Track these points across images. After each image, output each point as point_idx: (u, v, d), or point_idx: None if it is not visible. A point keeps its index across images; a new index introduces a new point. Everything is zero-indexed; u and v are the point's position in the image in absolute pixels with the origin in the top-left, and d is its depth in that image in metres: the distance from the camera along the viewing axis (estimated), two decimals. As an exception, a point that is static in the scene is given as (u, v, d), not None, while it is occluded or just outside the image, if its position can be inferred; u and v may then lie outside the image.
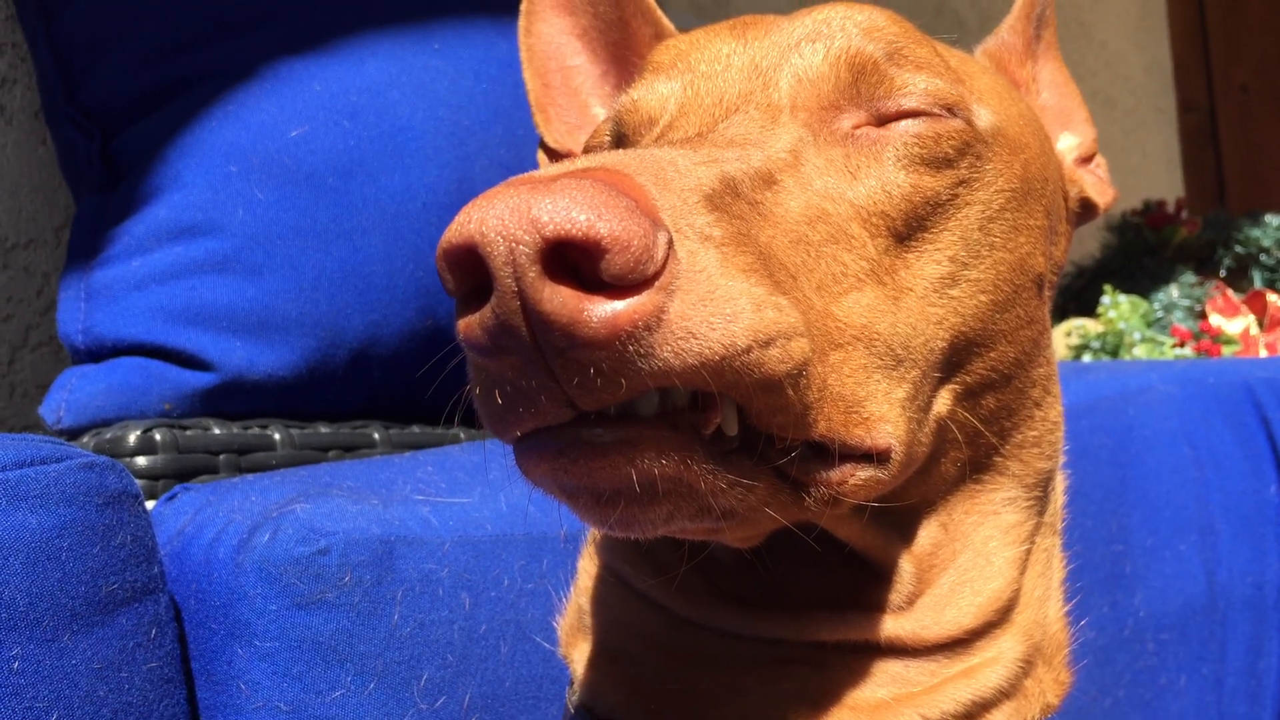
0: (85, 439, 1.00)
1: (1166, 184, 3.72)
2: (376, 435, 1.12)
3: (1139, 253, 2.57)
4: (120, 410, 1.02)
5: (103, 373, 1.03)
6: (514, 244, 0.46)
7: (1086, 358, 2.19)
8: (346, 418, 1.13)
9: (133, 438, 0.98)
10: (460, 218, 0.47)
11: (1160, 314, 2.35)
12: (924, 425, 0.64)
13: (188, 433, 1.00)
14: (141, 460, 0.97)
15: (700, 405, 0.51)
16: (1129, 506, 1.44)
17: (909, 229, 0.64)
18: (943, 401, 0.66)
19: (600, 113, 0.87)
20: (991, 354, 0.68)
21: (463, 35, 1.20)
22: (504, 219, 0.46)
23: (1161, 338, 2.25)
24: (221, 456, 1.01)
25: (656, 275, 0.47)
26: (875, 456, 0.59)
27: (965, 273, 0.66)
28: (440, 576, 0.87)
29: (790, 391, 0.52)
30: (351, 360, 1.11)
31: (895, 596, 0.69)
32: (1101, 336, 2.21)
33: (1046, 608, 0.76)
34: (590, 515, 0.53)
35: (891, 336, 0.61)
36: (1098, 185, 0.89)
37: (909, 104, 0.66)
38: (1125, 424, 1.47)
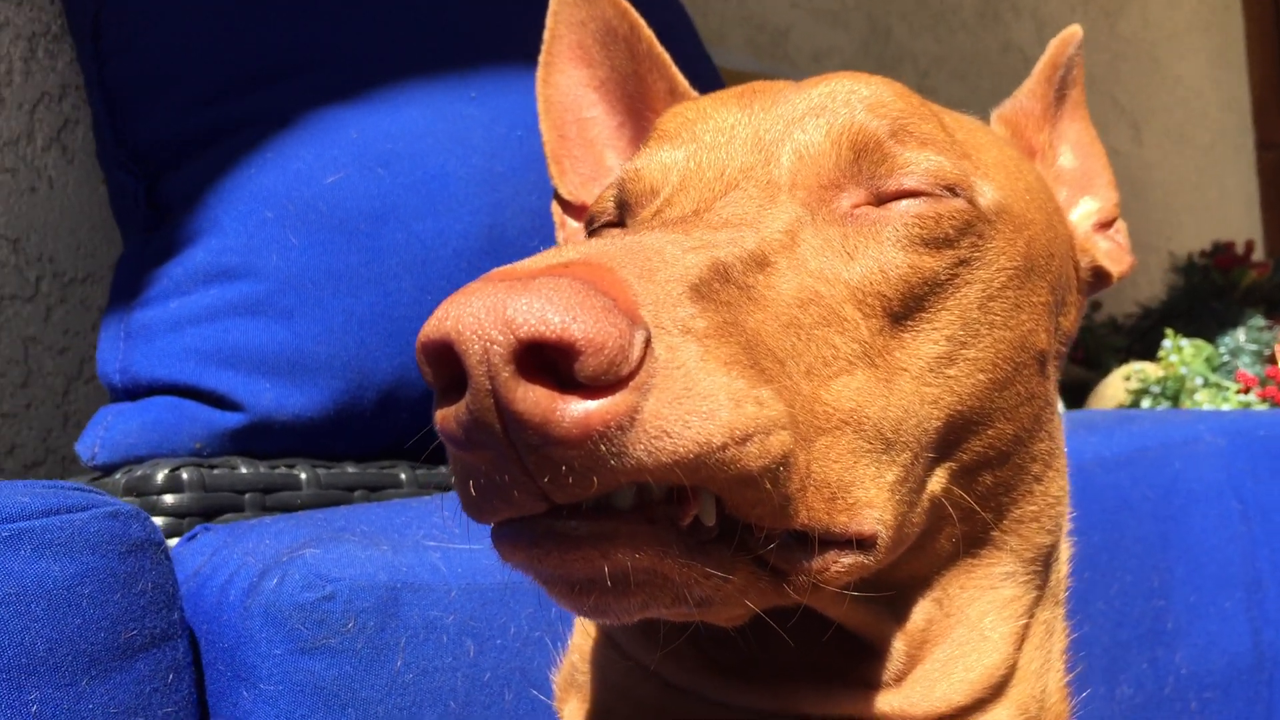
0: (118, 476, 1.03)
1: (1244, 223, 3.65)
2: (403, 476, 1.14)
3: (1206, 295, 2.52)
4: (152, 448, 1.05)
5: (137, 411, 1.07)
6: (488, 343, 0.46)
7: (1145, 403, 2.15)
8: (374, 458, 1.16)
9: (160, 476, 1.01)
10: (439, 313, 0.48)
11: (1226, 358, 2.31)
12: (916, 505, 0.64)
13: (215, 472, 1.03)
14: (169, 498, 1.00)
15: (676, 497, 0.51)
16: (1171, 561, 1.41)
17: (906, 309, 0.64)
18: (937, 480, 0.65)
19: (614, 166, 0.88)
20: (989, 432, 0.67)
21: (498, 83, 1.23)
22: (479, 318, 0.46)
23: (1226, 383, 2.20)
24: (247, 495, 1.04)
25: (631, 375, 0.47)
26: (859, 542, 0.59)
27: (963, 352, 0.66)
28: (445, 623, 0.88)
29: (769, 485, 0.52)
30: (379, 402, 1.13)
31: (885, 673, 0.68)
32: (1162, 381, 2.17)
33: (1045, 679, 0.75)
34: (566, 602, 0.54)
35: (882, 420, 0.60)
36: (1114, 253, 0.87)
37: (910, 183, 0.66)
38: (1170, 476, 1.44)
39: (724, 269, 0.55)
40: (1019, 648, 0.73)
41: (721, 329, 0.52)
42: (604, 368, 0.46)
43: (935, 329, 0.64)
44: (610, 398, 0.47)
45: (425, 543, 0.92)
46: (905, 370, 0.63)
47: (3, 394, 1.42)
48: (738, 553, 0.54)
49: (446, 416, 0.49)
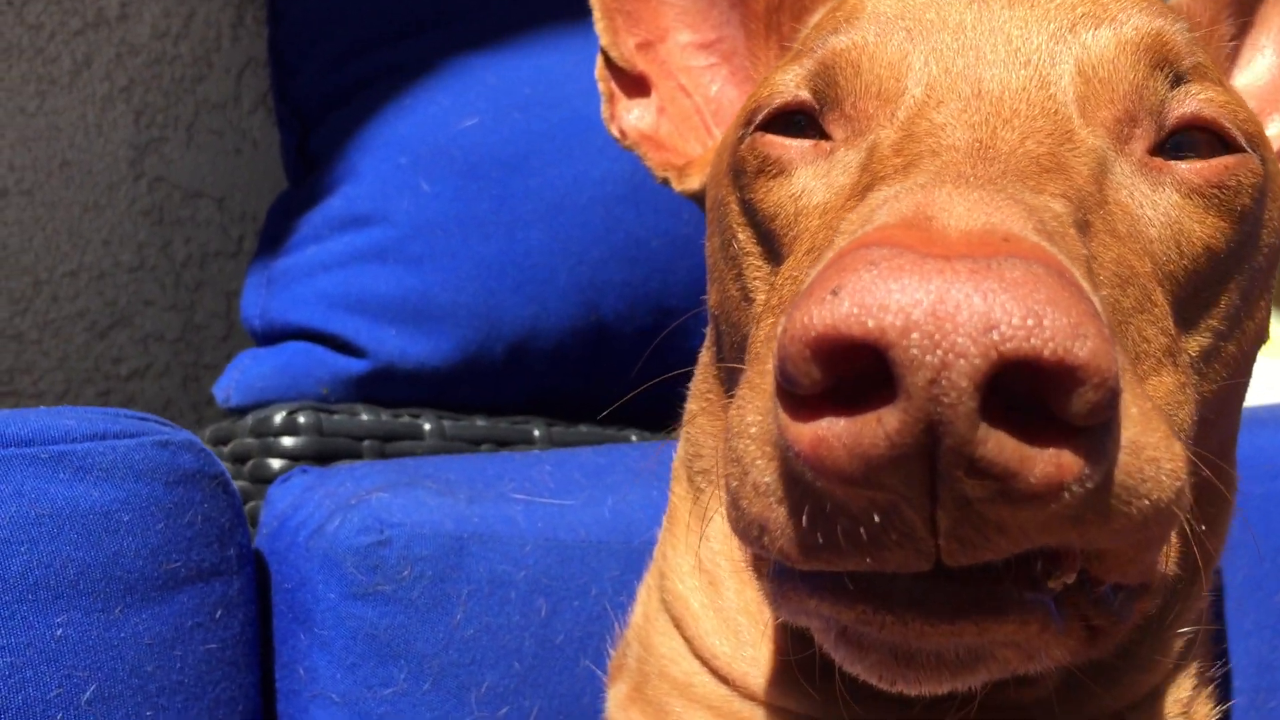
0: (248, 419, 1.04)
1: None
2: (537, 432, 1.10)
3: None
4: (281, 392, 1.05)
5: (271, 355, 1.08)
6: (951, 358, 0.35)
7: None
8: (507, 412, 1.12)
9: (278, 418, 1.01)
10: (854, 293, 0.36)
11: None
12: None
13: (334, 417, 1.02)
14: (286, 441, 1.00)
15: (1050, 555, 0.42)
16: None
17: (1187, 293, 0.52)
18: None
19: (685, 35, 0.78)
20: (1212, 443, 0.55)
21: (649, 23, 1.16)
22: (940, 319, 0.35)
23: None
24: (366, 443, 1.02)
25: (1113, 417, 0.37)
26: (1148, 585, 0.50)
27: (1222, 346, 0.54)
28: (515, 578, 0.83)
29: (1170, 538, 0.45)
30: (509, 352, 1.09)
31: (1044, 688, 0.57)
32: None
33: None
34: (874, 670, 0.44)
35: (1184, 435, 0.50)
36: None
37: (1205, 120, 0.53)
38: None
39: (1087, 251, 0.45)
40: None
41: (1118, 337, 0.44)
42: (1103, 403, 0.36)
43: (1207, 318, 0.53)
44: (1090, 446, 0.37)
45: (513, 495, 0.88)
46: (1185, 369, 0.51)
47: (205, 346, 1.49)
48: (1067, 608, 0.45)
49: (828, 439, 0.37)
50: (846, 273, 0.37)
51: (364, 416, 1.04)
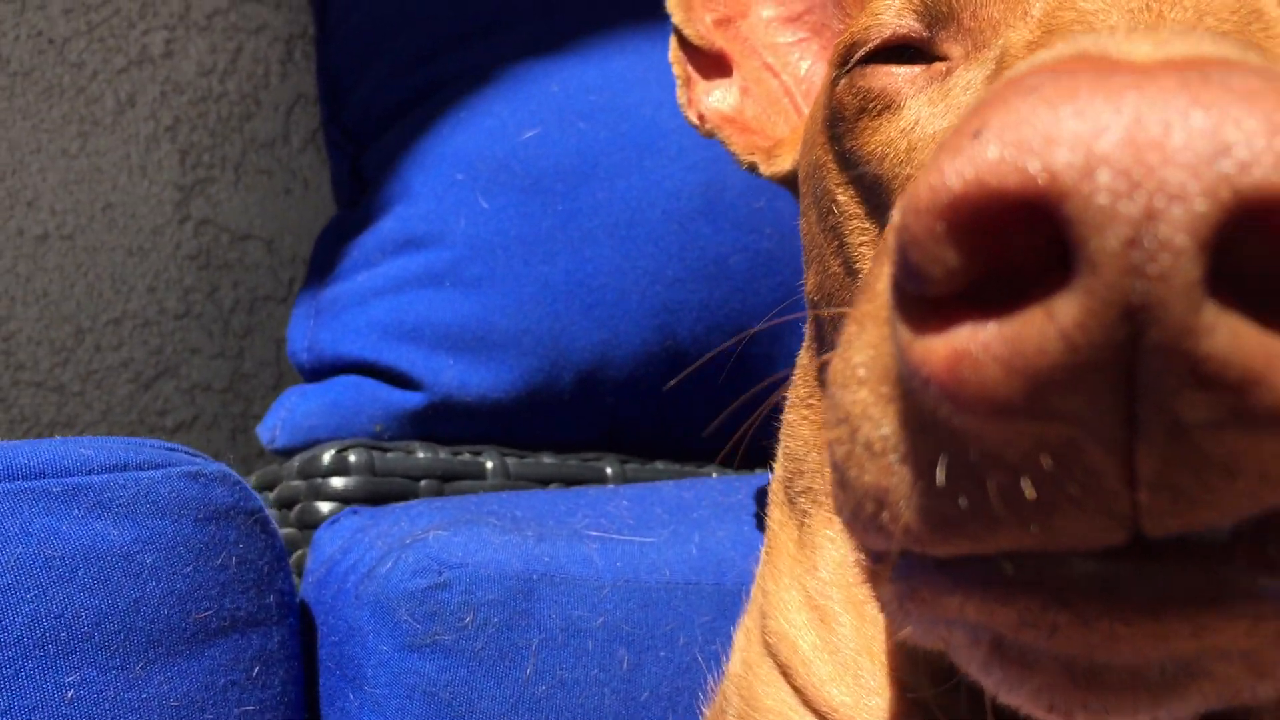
0: (295, 461, 0.95)
1: None
2: (609, 469, 1.00)
3: None
4: (332, 431, 0.96)
5: (319, 392, 0.99)
6: (1162, 202, 0.24)
7: None
8: (576, 448, 1.02)
9: (326, 458, 0.92)
10: (1003, 130, 0.26)
11: None
12: None
13: (388, 456, 0.93)
14: (336, 482, 0.91)
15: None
16: None
17: None
18: None
19: (768, 9, 0.69)
20: None
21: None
22: (1140, 147, 0.24)
23: None
24: (423, 483, 0.93)
25: None
26: None
27: None
28: (592, 626, 0.73)
29: None
30: (578, 383, 0.99)
31: None
32: None
33: None
34: (1042, 696, 0.32)
35: None
36: None
37: None
38: None
39: None
40: None
41: None
42: None
43: None
44: None
45: (587, 532, 0.77)
46: None
47: (254, 396, 1.41)
48: None
49: (969, 351, 0.27)
50: (993, 107, 0.26)
51: (420, 454, 0.94)
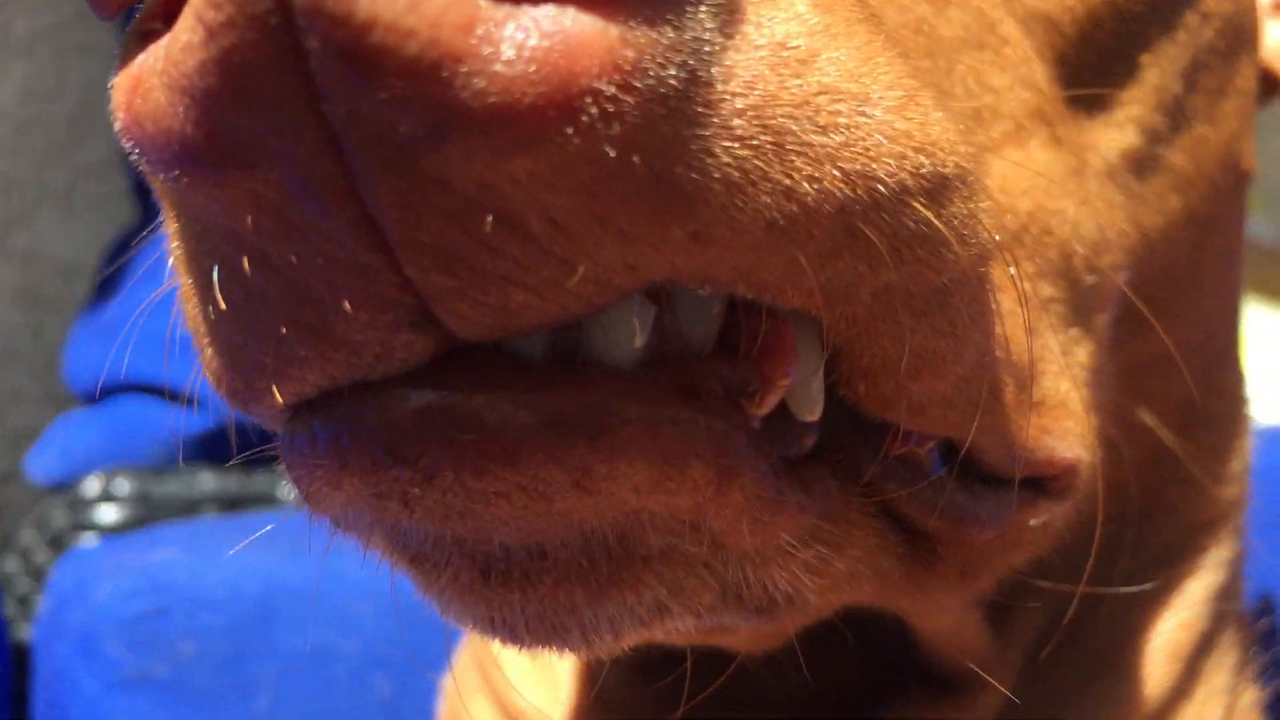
0: (67, 494, 0.86)
1: None
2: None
3: None
4: (111, 458, 0.87)
5: (96, 416, 0.90)
6: None
7: None
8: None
9: (94, 487, 0.82)
10: None
11: None
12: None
13: (166, 483, 0.83)
14: (105, 512, 0.82)
15: (744, 350, 0.23)
16: None
17: (1083, 58, 0.35)
18: (1110, 389, 0.36)
19: None
20: (1182, 308, 0.38)
21: None
22: None
23: None
24: (207, 510, 0.83)
25: None
26: (1052, 482, 0.32)
27: (1160, 154, 0.37)
28: (345, 649, 0.63)
29: (967, 311, 0.25)
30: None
31: None
32: None
33: None
34: (470, 607, 0.24)
35: (1073, 238, 0.33)
36: None
37: None
38: None
39: None
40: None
41: None
42: None
43: (1122, 107, 0.36)
44: (643, 12, 0.19)
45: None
46: (1090, 165, 0.35)
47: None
48: (847, 485, 0.27)
49: (141, 78, 0.21)
50: None
51: (206, 479, 0.85)
